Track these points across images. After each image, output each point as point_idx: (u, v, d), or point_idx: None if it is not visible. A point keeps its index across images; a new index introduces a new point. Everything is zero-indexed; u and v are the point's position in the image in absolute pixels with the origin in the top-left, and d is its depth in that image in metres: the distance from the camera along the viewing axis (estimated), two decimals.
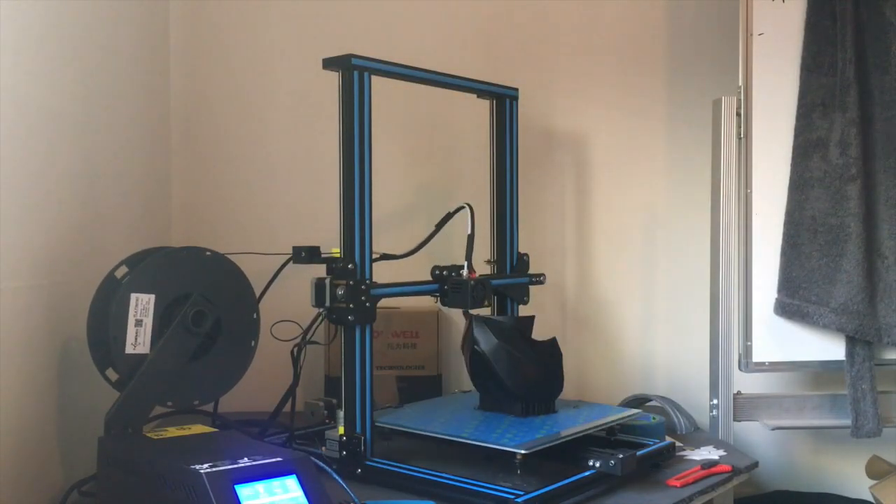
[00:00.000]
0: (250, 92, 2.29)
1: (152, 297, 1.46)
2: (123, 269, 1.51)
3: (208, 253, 1.56)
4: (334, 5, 2.30)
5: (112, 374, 1.48)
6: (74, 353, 1.55)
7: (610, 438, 1.70)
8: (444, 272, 1.76)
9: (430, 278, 1.78)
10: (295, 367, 1.74)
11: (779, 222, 1.97)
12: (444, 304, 1.74)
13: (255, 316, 1.61)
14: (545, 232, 2.36)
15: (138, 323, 1.44)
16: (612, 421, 1.69)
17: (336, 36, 2.27)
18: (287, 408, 1.81)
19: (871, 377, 1.93)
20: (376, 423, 1.62)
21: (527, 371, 1.71)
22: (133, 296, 1.44)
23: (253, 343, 1.61)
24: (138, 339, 1.44)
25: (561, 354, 1.77)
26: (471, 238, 1.75)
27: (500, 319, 1.78)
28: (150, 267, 1.49)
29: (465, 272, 1.73)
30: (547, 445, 1.50)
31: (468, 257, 1.74)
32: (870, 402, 1.92)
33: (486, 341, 1.70)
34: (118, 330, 1.42)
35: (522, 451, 1.45)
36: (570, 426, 1.61)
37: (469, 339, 1.74)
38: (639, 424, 1.82)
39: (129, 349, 1.43)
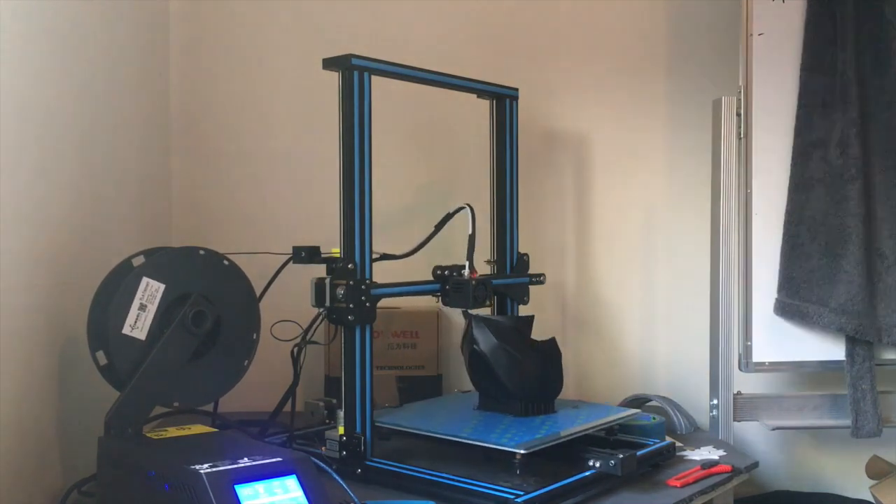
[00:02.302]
0: (250, 92, 2.29)
1: (162, 286, 1.46)
2: (140, 259, 1.51)
3: (226, 262, 1.58)
4: (334, 5, 2.30)
5: (102, 358, 1.47)
6: (74, 354, 1.55)
7: (609, 438, 1.69)
8: (446, 272, 1.76)
9: (430, 278, 1.78)
10: (295, 367, 1.74)
11: (779, 222, 1.97)
12: (445, 303, 1.74)
13: (255, 320, 1.61)
14: (545, 232, 2.36)
15: (142, 307, 1.44)
16: (612, 421, 1.69)
17: (336, 36, 2.27)
18: (287, 408, 1.81)
19: (871, 377, 1.93)
20: (376, 423, 1.62)
21: (526, 371, 1.70)
22: (144, 279, 1.45)
23: (254, 341, 1.61)
24: (138, 322, 1.43)
25: (560, 354, 1.77)
26: (472, 238, 1.75)
27: (499, 319, 1.78)
28: (168, 259, 1.50)
29: (466, 272, 1.73)
30: (546, 445, 1.50)
31: (469, 257, 1.74)
32: (870, 402, 1.92)
33: (485, 341, 1.70)
34: (120, 308, 1.42)
35: (522, 451, 1.45)
36: (570, 426, 1.61)
37: (468, 339, 1.74)
38: (639, 424, 1.82)
39: (126, 329, 1.42)
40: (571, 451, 1.57)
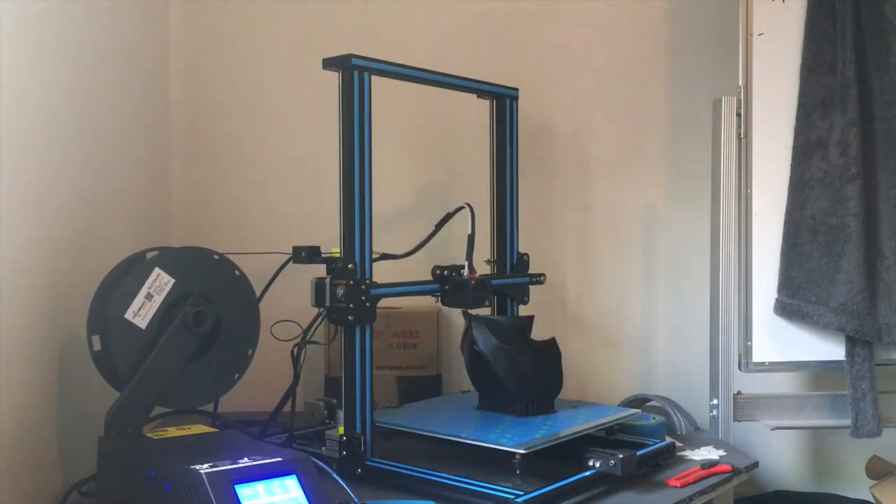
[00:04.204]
0: (250, 92, 2.29)
1: (173, 280, 1.47)
2: (154, 253, 1.52)
3: (237, 272, 1.59)
4: (334, 5, 2.30)
5: (96, 343, 1.47)
6: (74, 353, 1.55)
7: (609, 438, 1.69)
8: (445, 272, 1.76)
9: (430, 278, 1.78)
10: (295, 367, 1.74)
11: (779, 222, 1.97)
12: (444, 304, 1.74)
13: (255, 329, 1.62)
14: (545, 232, 2.36)
15: (149, 296, 1.44)
16: (612, 420, 1.69)
17: (336, 36, 2.27)
18: (287, 408, 1.81)
19: (871, 377, 1.93)
20: (376, 423, 1.62)
21: (525, 371, 1.70)
22: (157, 269, 1.45)
23: (249, 355, 1.61)
24: (142, 310, 1.44)
25: (560, 354, 1.77)
26: (471, 238, 1.75)
27: (499, 319, 1.78)
28: (181, 256, 1.51)
29: (465, 272, 1.73)
30: (546, 445, 1.50)
31: (469, 257, 1.74)
32: (870, 402, 1.92)
33: (484, 341, 1.70)
34: (127, 293, 1.42)
35: (522, 451, 1.45)
36: (570, 426, 1.61)
37: (468, 339, 1.74)
38: (639, 424, 1.82)
39: (128, 315, 1.42)
40: (571, 451, 1.57)
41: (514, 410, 1.70)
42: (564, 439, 1.55)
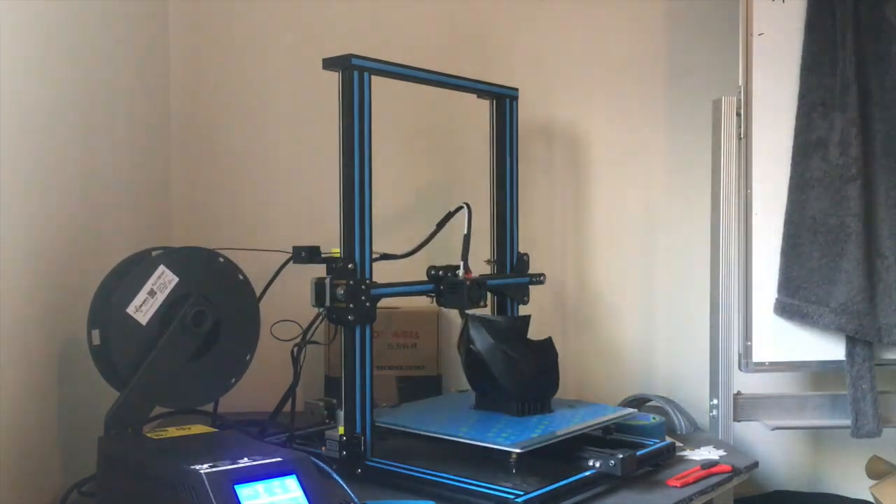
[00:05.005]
0: (250, 92, 2.29)
1: (176, 279, 1.47)
2: (160, 252, 1.52)
3: (241, 277, 1.59)
4: (334, 5, 2.30)
5: (96, 338, 1.47)
6: (74, 353, 1.55)
7: (606, 438, 1.70)
8: (441, 272, 1.75)
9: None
10: (295, 367, 1.74)
11: (779, 222, 1.97)
12: (440, 304, 1.74)
13: (255, 333, 1.62)
14: (545, 232, 2.36)
15: (151, 293, 1.45)
16: (608, 420, 1.69)
17: (336, 36, 2.27)
18: (287, 408, 1.81)
19: (871, 377, 1.93)
20: (376, 423, 1.62)
21: (522, 370, 1.70)
22: (161, 266, 1.46)
23: (250, 351, 1.61)
24: (143, 306, 1.44)
25: (556, 354, 1.77)
26: (467, 238, 1.75)
27: (495, 319, 1.77)
28: (186, 256, 1.52)
29: (461, 272, 1.73)
30: (542, 444, 1.50)
31: (464, 257, 1.74)
32: (870, 402, 1.92)
33: (481, 341, 1.70)
34: (130, 288, 1.43)
35: (517, 451, 1.45)
36: (566, 425, 1.61)
37: (465, 339, 1.74)
38: (639, 424, 1.82)
39: (130, 310, 1.43)
40: (568, 451, 1.57)
41: (510, 410, 1.69)
42: (560, 439, 1.55)
